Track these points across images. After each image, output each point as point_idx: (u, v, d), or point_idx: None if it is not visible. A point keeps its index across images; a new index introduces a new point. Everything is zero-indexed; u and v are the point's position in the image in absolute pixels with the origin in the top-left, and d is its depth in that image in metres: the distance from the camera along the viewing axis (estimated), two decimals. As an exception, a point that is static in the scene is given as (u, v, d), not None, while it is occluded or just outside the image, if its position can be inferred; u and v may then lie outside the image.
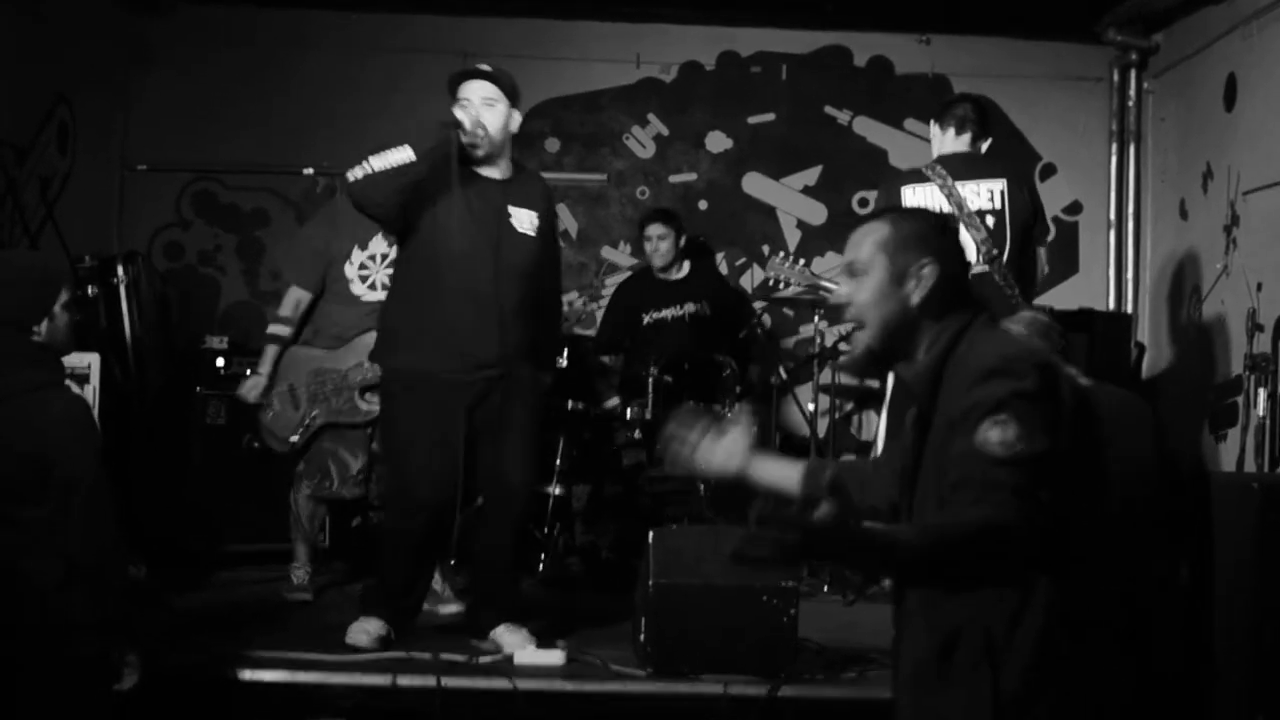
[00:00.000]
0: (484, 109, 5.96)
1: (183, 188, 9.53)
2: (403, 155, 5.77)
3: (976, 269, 6.52)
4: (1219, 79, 8.28)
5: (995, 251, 6.55)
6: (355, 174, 5.82)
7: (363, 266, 7.21)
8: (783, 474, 3.60)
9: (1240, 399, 7.62)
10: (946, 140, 6.81)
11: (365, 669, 5.66)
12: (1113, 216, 9.61)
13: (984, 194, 6.65)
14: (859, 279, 3.28)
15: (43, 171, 8.09)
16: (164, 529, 7.76)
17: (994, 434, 2.95)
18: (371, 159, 5.79)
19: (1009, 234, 6.61)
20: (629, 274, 9.31)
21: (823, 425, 8.67)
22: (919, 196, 6.65)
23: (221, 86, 9.37)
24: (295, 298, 7.27)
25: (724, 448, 3.60)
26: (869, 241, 3.30)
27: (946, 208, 6.58)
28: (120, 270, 8.04)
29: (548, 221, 6.22)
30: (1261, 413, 7.15)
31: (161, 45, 9.42)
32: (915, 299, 3.22)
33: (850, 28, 9.65)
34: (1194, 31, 8.77)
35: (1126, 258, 9.56)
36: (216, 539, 8.02)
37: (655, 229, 8.63)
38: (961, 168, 6.70)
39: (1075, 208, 9.71)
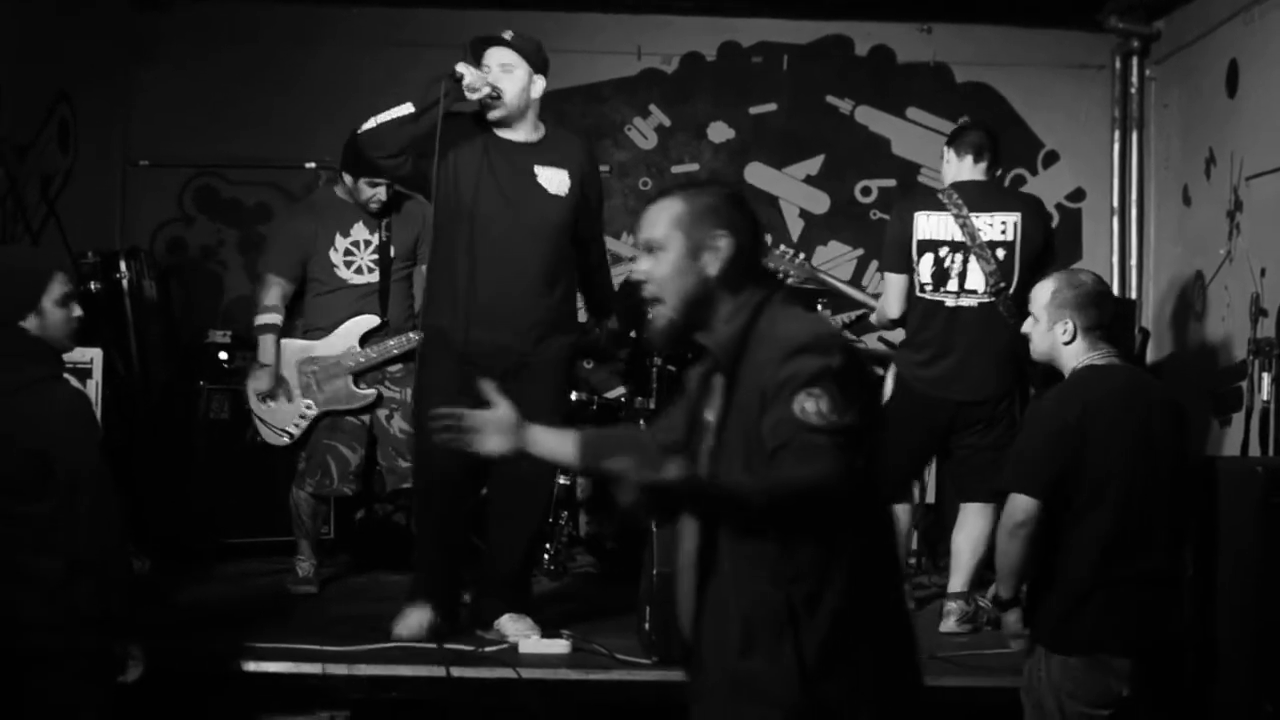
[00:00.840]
0: (501, 75, 6.07)
1: (185, 183, 9.52)
2: (403, 109, 5.94)
3: (982, 299, 6.60)
4: (1221, 65, 8.26)
5: (1003, 285, 6.63)
6: (363, 127, 6.01)
7: (347, 253, 7.25)
8: (558, 445, 3.75)
9: (1244, 384, 7.61)
10: (964, 167, 6.82)
11: (370, 660, 5.67)
12: (1116, 203, 9.59)
13: (997, 226, 6.68)
14: (657, 255, 3.38)
15: (44, 169, 8.09)
16: (168, 523, 7.78)
17: (809, 405, 3.10)
18: (378, 115, 5.97)
19: (1018, 267, 6.65)
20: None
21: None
22: (933, 223, 6.71)
23: (223, 81, 9.35)
24: (276, 286, 7.32)
25: (493, 426, 3.70)
26: (664, 218, 3.39)
27: (960, 237, 6.64)
28: (122, 266, 8.06)
29: (583, 179, 6.23)
30: (1266, 397, 7.14)
31: (163, 41, 9.41)
32: (712, 270, 3.34)
33: (851, 17, 9.63)
34: (1195, 18, 8.75)
35: (1130, 244, 9.55)
36: (220, 532, 8.03)
37: None
38: (978, 198, 6.72)
39: (1078, 195, 9.69)
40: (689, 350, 3.47)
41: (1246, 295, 7.65)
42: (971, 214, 6.66)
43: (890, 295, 6.86)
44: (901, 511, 6.97)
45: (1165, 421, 4.72)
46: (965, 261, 6.65)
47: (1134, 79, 9.51)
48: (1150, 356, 8.88)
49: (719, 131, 9.71)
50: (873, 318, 7.22)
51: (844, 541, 3.19)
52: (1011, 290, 6.62)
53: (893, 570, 3.44)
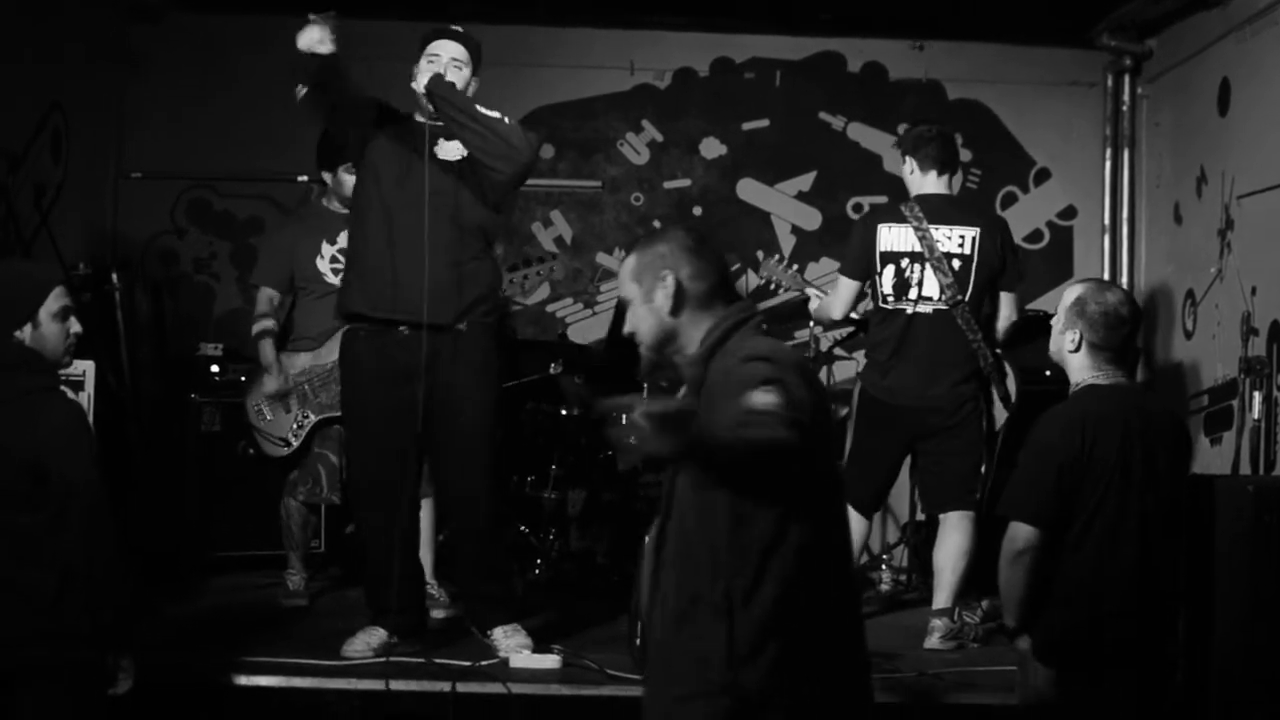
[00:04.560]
0: (451, 68, 6.16)
1: (177, 196, 9.50)
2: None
3: (938, 305, 6.77)
4: (1213, 84, 8.27)
5: (959, 297, 6.79)
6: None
7: (334, 260, 7.26)
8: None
9: (1235, 402, 7.62)
10: (927, 182, 6.98)
11: (361, 674, 5.67)
12: (1107, 221, 9.60)
13: (955, 239, 6.85)
14: (629, 309, 3.83)
15: (36, 179, 8.07)
16: (160, 536, 7.76)
17: (760, 397, 3.40)
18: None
19: (973, 280, 6.84)
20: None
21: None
22: (895, 235, 6.87)
23: (215, 94, 9.34)
24: (266, 295, 7.45)
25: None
26: (624, 278, 3.86)
27: (918, 248, 6.80)
28: (114, 278, 8.05)
29: None
30: (1256, 416, 7.15)
31: (155, 53, 9.40)
32: (666, 307, 3.75)
33: (844, 34, 9.64)
34: (1188, 37, 8.77)
35: (1121, 262, 9.56)
36: (212, 545, 8.03)
37: None
38: (938, 211, 6.89)
39: (1070, 213, 9.71)
40: (666, 376, 3.88)
41: (1237, 314, 7.66)
42: (931, 226, 6.81)
43: (839, 298, 7.06)
44: (854, 522, 7.00)
45: (1168, 444, 4.72)
46: (923, 270, 6.80)
47: (1126, 97, 9.53)
48: (1141, 374, 8.89)
49: (711, 147, 9.71)
50: (813, 306, 7.35)
51: (788, 541, 3.51)
52: (967, 300, 6.80)
53: (838, 582, 3.69)
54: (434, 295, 6.00)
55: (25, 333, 4.57)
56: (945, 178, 6.97)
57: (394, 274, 6.02)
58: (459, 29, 6.24)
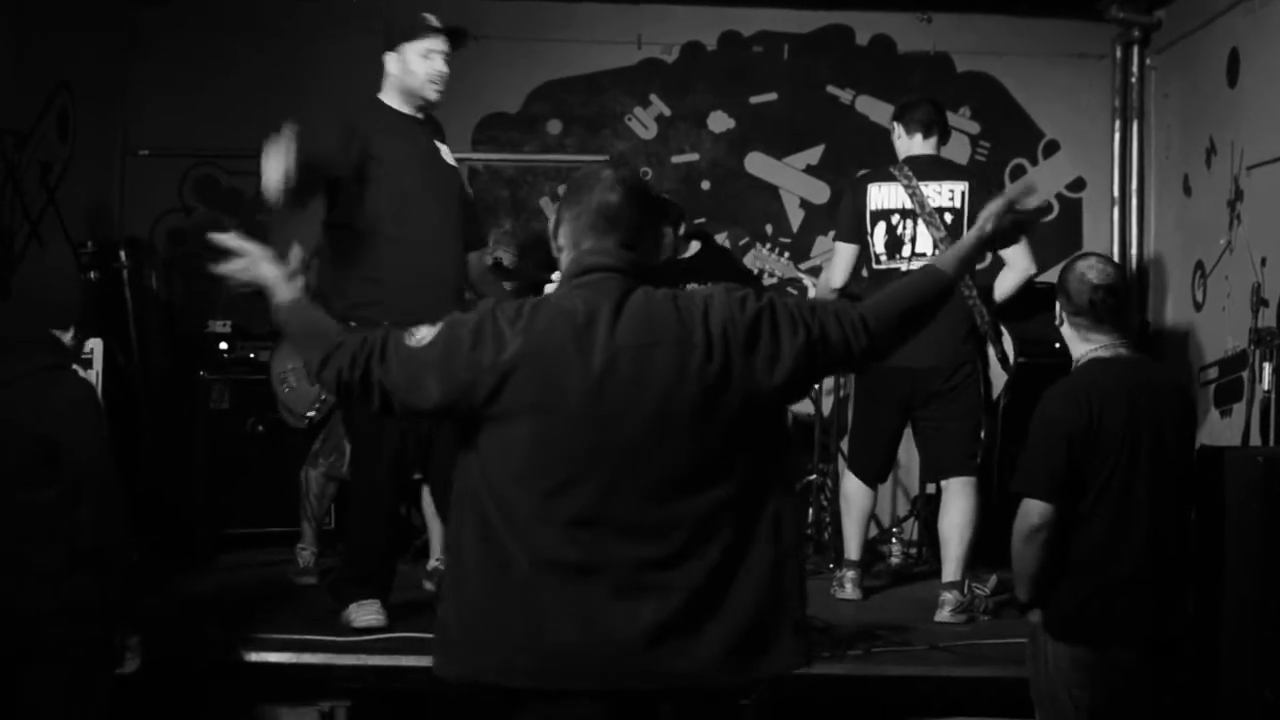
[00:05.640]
0: (443, 64, 6.25)
1: (184, 173, 9.50)
2: None
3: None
4: (1222, 54, 8.24)
5: None
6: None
7: None
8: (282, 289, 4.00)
9: (1245, 374, 7.61)
10: (914, 144, 7.04)
11: (370, 650, 5.68)
12: (1116, 193, 9.59)
13: (945, 193, 6.89)
14: None
15: (44, 157, 8.07)
16: (169, 513, 7.78)
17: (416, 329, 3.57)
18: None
19: (965, 233, 6.74)
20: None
21: (827, 404, 8.68)
22: (884, 193, 6.92)
23: (222, 71, 9.32)
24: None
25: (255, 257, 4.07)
26: None
27: (909, 205, 6.83)
28: (122, 256, 8.05)
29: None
30: (1266, 387, 7.13)
31: (161, 30, 9.39)
32: (555, 248, 3.68)
33: (852, 6, 9.62)
34: (1196, 7, 8.73)
35: (1130, 234, 9.54)
36: (222, 522, 8.03)
37: None
38: (926, 170, 6.94)
39: (1078, 184, 9.69)
40: None
41: (1247, 285, 7.64)
42: (920, 183, 6.86)
43: (837, 264, 7.08)
44: (859, 493, 7.01)
45: (1174, 415, 4.71)
46: (915, 226, 6.84)
47: (1134, 68, 9.50)
48: (1150, 347, 8.88)
49: (719, 121, 9.70)
50: (811, 293, 7.39)
51: (479, 485, 3.51)
52: None
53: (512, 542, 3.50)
54: (457, 290, 6.24)
55: (68, 335, 4.64)
56: (932, 140, 7.02)
57: (439, 274, 6.17)
58: (460, 29, 6.30)
